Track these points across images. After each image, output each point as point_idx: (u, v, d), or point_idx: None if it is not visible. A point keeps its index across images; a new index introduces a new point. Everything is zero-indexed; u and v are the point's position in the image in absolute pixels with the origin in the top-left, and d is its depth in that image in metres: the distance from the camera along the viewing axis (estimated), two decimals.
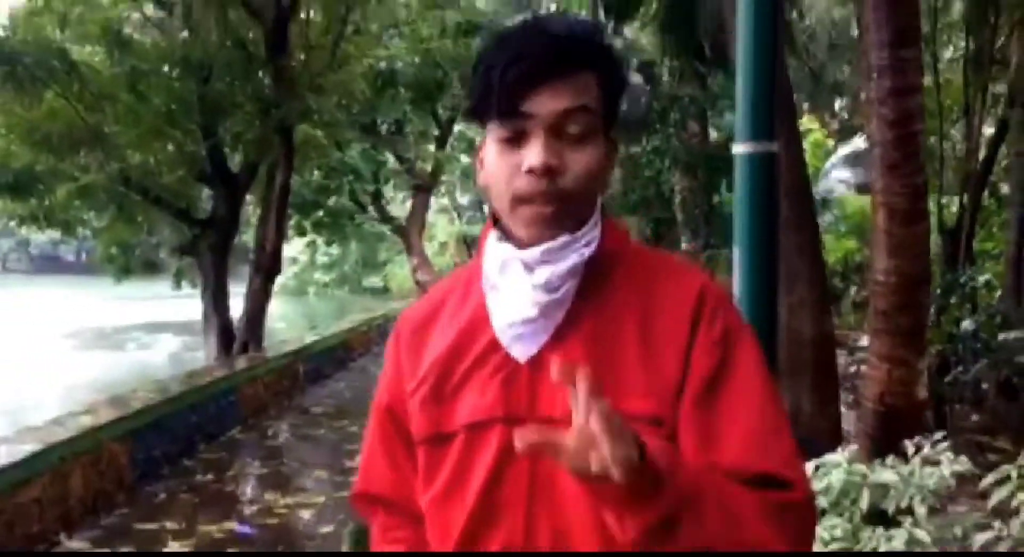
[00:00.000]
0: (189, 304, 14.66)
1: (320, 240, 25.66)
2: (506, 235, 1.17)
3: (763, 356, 1.11)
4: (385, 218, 21.71)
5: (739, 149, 2.02)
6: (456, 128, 22.22)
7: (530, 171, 1.08)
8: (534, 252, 1.11)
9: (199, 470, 6.75)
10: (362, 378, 11.30)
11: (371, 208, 21.25)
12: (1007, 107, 8.22)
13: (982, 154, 8.59)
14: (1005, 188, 10.07)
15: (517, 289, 1.12)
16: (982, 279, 8.69)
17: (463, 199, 40.00)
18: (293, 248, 27.37)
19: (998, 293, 8.76)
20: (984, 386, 7.50)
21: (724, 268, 8.81)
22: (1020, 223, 7.84)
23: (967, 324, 7.34)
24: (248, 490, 6.45)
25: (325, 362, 11.41)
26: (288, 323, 20.92)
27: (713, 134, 12.35)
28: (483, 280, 1.18)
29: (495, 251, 1.17)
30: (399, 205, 26.21)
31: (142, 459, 6.39)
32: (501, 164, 1.11)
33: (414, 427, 1.20)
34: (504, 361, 1.13)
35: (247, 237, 17.34)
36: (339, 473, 6.58)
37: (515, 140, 1.10)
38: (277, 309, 13.16)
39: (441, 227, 31.57)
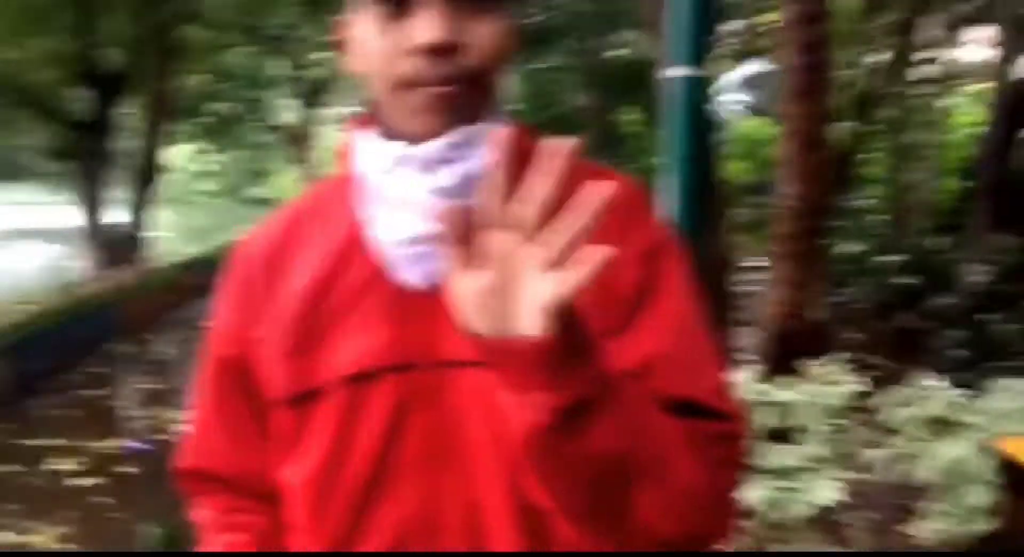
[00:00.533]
0: (61, 210, 13.98)
1: (204, 148, 24.81)
2: (388, 132, 0.91)
3: (691, 275, 0.94)
4: (272, 127, 21.02)
5: (675, 72, 1.97)
6: None
7: (423, 47, 0.82)
8: (434, 146, 0.86)
9: (82, 385, 6.52)
10: None
11: (257, 115, 20.54)
12: (897, 37, 8.40)
13: (869, 82, 8.79)
14: (886, 113, 10.40)
15: (411, 197, 0.87)
16: (865, 204, 9.03)
17: (354, 107, 39.19)
18: (178, 156, 26.34)
19: (880, 217, 9.12)
20: (863, 306, 7.85)
21: None
22: (903, 151, 8.12)
23: (851, 247, 7.64)
24: (134, 405, 6.26)
25: (211, 274, 11.09)
26: (173, 234, 20.24)
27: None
28: (358, 191, 0.92)
29: (377, 150, 0.90)
30: (286, 113, 25.45)
31: (22, 373, 6.12)
32: (380, 42, 0.86)
33: (268, 384, 0.94)
34: (393, 293, 0.88)
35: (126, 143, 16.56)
36: None
37: (396, 6, 0.84)
38: (161, 220, 12.71)
39: (331, 136, 30.87)
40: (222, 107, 19.21)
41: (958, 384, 3.77)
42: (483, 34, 0.86)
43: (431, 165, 0.87)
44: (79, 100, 11.45)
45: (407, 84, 0.85)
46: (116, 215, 10.89)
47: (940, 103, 7.28)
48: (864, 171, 9.74)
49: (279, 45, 17.90)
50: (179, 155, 27.26)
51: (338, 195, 0.96)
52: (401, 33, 0.84)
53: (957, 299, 5.49)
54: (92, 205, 10.58)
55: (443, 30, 0.82)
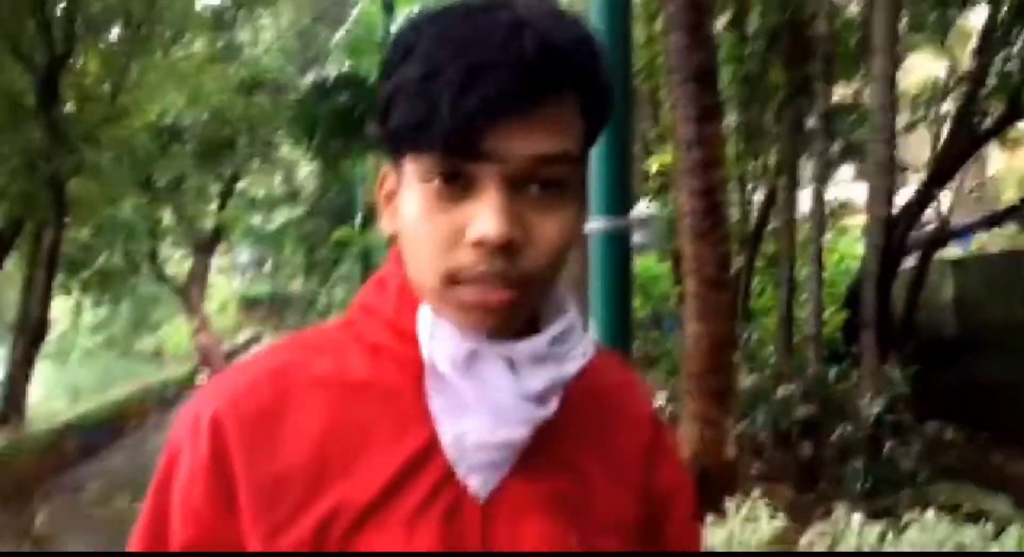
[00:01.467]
0: None
1: (86, 301, 24.08)
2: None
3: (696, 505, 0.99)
4: (162, 278, 20.60)
5: (595, 225, 2.02)
6: (239, 186, 21.61)
7: (479, 243, 0.72)
8: (535, 345, 0.78)
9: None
10: (139, 452, 10.51)
11: (146, 267, 20.12)
12: (774, 176, 8.91)
13: (753, 218, 9.25)
14: (768, 248, 10.92)
15: (495, 397, 0.77)
16: (755, 336, 9.32)
17: (243, 258, 38.81)
18: (55, 309, 25.47)
19: (770, 348, 9.41)
20: (763, 438, 7.97)
21: None
22: (789, 284, 8.47)
23: (748, 380, 7.81)
24: None
25: (97, 435, 10.55)
26: (50, 392, 19.26)
27: None
28: (428, 375, 0.79)
29: (449, 335, 0.78)
30: (176, 264, 25.02)
31: None
32: (432, 223, 0.74)
33: None
34: (442, 485, 0.78)
35: (5, 297, 15.94)
36: None
37: (454, 185, 0.74)
38: (36, 376, 12.14)
39: (220, 287, 30.42)
40: (105, 259, 18.78)
41: (872, 516, 3.84)
42: (549, 230, 0.75)
43: (520, 366, 0.78)
44: None
45: (458, 279, 0.75)
46: None
47: (822, 237, 7.68)
48: (755, 304, 10.11)
49: (169, 196, 17.80)
50: (59, 308, 26.41)
51: (372, 366, 0.82)
52: (456, 219, 0.74)
53: (855, 429, 5.64)
54: None
55: (504, 224, 0.72)
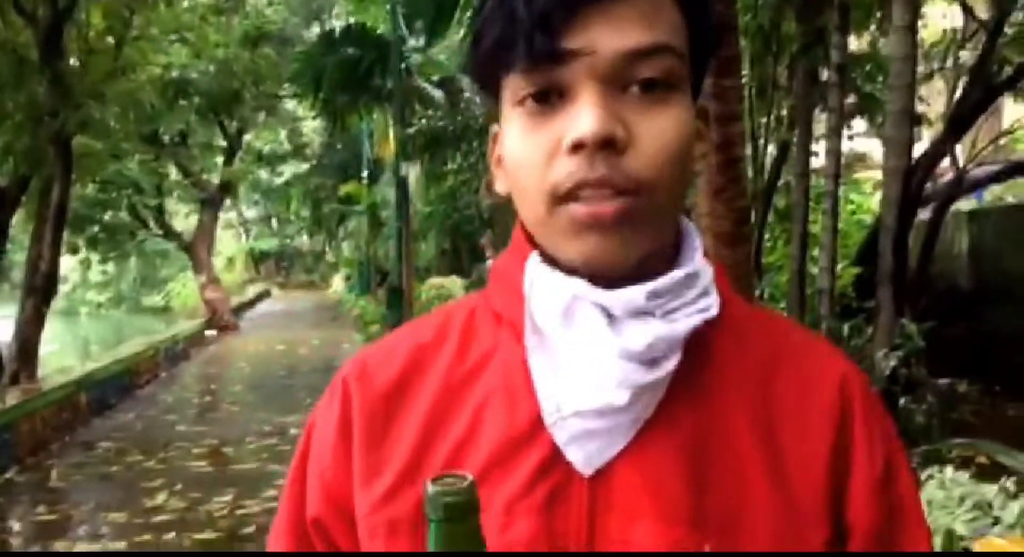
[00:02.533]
0: None
1: (94, 257, 24.16)
2: (552, 262, 0.73)
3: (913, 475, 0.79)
4: (169, 234, 20.59)
5: None
6: (244, 139, 21.51)
7: (578, 146, 0.66)
8: (630, 295, 0.68)
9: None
10: (151, 407, 10.58)
11: (153, 223, 20.11)
12: (787, 130, 8.80)
13: (767, 173, 9.16)
14: (781, 202, 10.83)
15: (592, 354, 0.68)
16: (767, 291, 9.28)
17: (251, 213, 38.79)
18: (63, 265, 25.59)
19: (782, 304, 9.37)
20: None
21: None
22: (802, 239, 8.40)
23: None
24: (33, 540, 5.82)
25: (110, 391, 10.59)
26: (61, 348, 19.38)
27: None
28: (527, 329, 0.73)
29: (549, 285, 0.71)
30: (183, 219, 25.01)
31: None
32: (529, 143, 0.69)
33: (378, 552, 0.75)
34: (548, 465, 0.70)
35: (15, 255, 15.97)
36: (139, 514, 6.07)
37: (548, 103, 0.68)
38: (47, 333, 12.17)
39: (228, 243, 30.47)
40: (111, 215, 18.76)
41: None
42: (656, 129, 0.67)
43: (620, 318, 0.69)
44: None
45: (562, 195, 0.67)
46: (3, 330, 10.40)
47: (836, 191, 7.59)
48: (768, 259, 10.06)
49: (175, 151, 17.72)
50: (67, 264, 26.49)
51: (492, 333, 0.78)
52: (553, 132, 0.68)
53: (871, 383, 5.62)
54: None
55: (601, 120, 0.65)
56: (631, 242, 0.68)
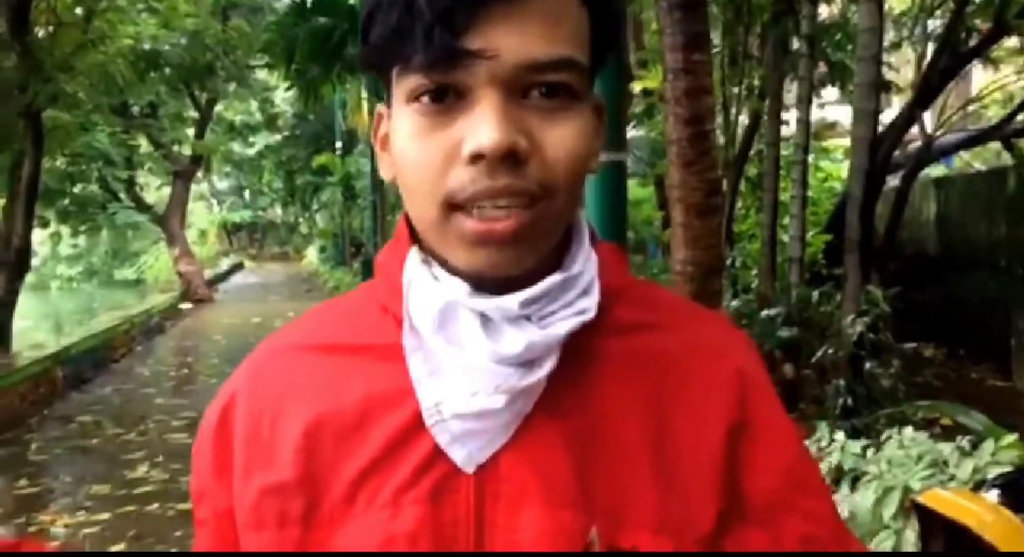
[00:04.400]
0: None
1: (64, 231, 23.93)
2: (434, 259, 0.73)
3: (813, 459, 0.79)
4: (141, 206, 20.44)
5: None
6: (215, 110, 21.31)
7: (477, 157, 0.64)
8: (505, 303, 0.68)
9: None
10: (128, 380, 10.60)
11: (124, 196, 19.95)
12: (758, 100, 8.88)
13: (738, 143, 9.25)
14: (752, 171, 10.94)
15: (468, 359, 0.69)
16: (739, 260, 9.40)
17: (222, 185, 38.48)
18: (33, 239, 25.29)
19: (753, 272, 9.50)
20: None
21: None
22: (772, 207, 8.51)
23: (733, 303, 7.92)
24: (15, 512, 5.88)
25: (85, 365, 10.60)
26: (33, 323, 19.23)
27: None
28: (405, 330, 0.72)
29: (427, 287, 0.71)
30: (155, 192, 24.80)
31: None
32: (423, 145, 0.66)
33: None
34: (434, 458, 0.70)
35: None
36: (121, 486, 6.14)
37: (444, 102, 0.66)
38: (19, 308, 12.06)
39: (200, 215, 30.23)
40: (82, 188, 18.58)
41: (852, 433, 3.95)
42: (556, 138, 0.66)
43: (497, 324, 0.69)
44: None
45: (458, 204, 0.66)
46: None
47: (806, 159, 7.69)
48: (739, 228, 10.17)
49: (145, 123, 17.55)
50: (37, 238, 26.22)
51: (379, 326, 0.76)
52: (450, 136, 0.65)
53: (838, 349, 5.75)
54: None
55: (505, 131, 0.63)
56: (524, 255, 0.67)
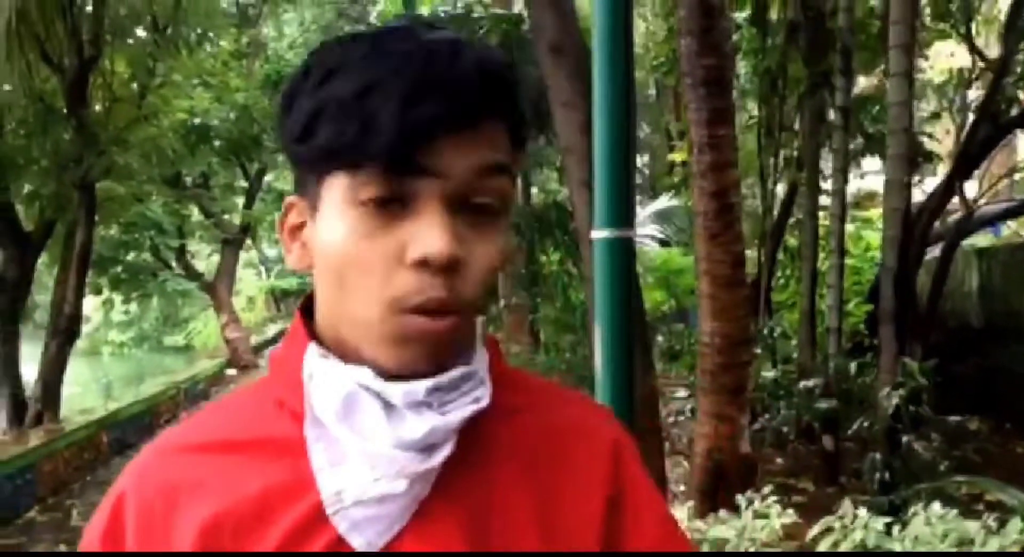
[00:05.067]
0: None
1: (116, 297, 24.43)
2: (332, 352, 0.76)
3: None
4: (191, 274, 20.85)
5: (600, 234, 2.10)
6: (265, 180, 21.82)
7: (423, 263, 0.69)
8: (412, 389, 0.72)
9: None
10: None
11: (175, 264, 20.38)
12: (796, 170, 8.92)
13: (775, 212, 9.27)
14: (792, 241, 10.92)
15: (370, 446, 0.72)
16: (778, 330, 9.34)
17: (271, 252, 39.13)
18: (86, 306, 25.90)
19: (793, 342, 9.42)
20: (786, 431, 8.01)
21: (553, 328, 9.01)
22: (811, 277, 8.48)
23: (770, 374, 7.86)
24: None
25: (130, 431, 10.75)
26: (83, 388, 19.58)
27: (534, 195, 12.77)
28: (307, 422, 0.75)
29: (329, 376, 0.74)
30: (205, 259, 25.31)
31: None
32: (368, 247, 0.70)
33: None
34: (335, 547, 0.73)
35: (38, 297, 16.22)
36: None
37: (388, 208, 0.70)
38: (69, 373, 12.40)
39: (248, 282, 30.71)
40: (134, 257, 19.05)
41: (879, 508, 3.89)
42: (482, 253, 0.72)
43: (401, 411, 0.73)
44: None
45: (406, 308, 0.70)
46: (27, 372, 10.59)
47: (843, 230, 7.69)
48: (778, 298, 10.13)
49: (197, 193, 18.03)
50: (90, 305, 26.82)
51: (274, 421, 0.78)
52: (394, 240, 0.70)
53: (874, 422, 5.67)
54: (4, 364, 10.27)
55: (450, 241, 0.69)
56: (444, 353, 0.73)
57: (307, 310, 0.81)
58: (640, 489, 0.82)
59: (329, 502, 0.72)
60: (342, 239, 0.71)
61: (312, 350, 0.76)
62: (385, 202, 0.70)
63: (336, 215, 0.72)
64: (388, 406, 0.72)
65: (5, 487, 7.19)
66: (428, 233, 0.69)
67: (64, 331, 10.29)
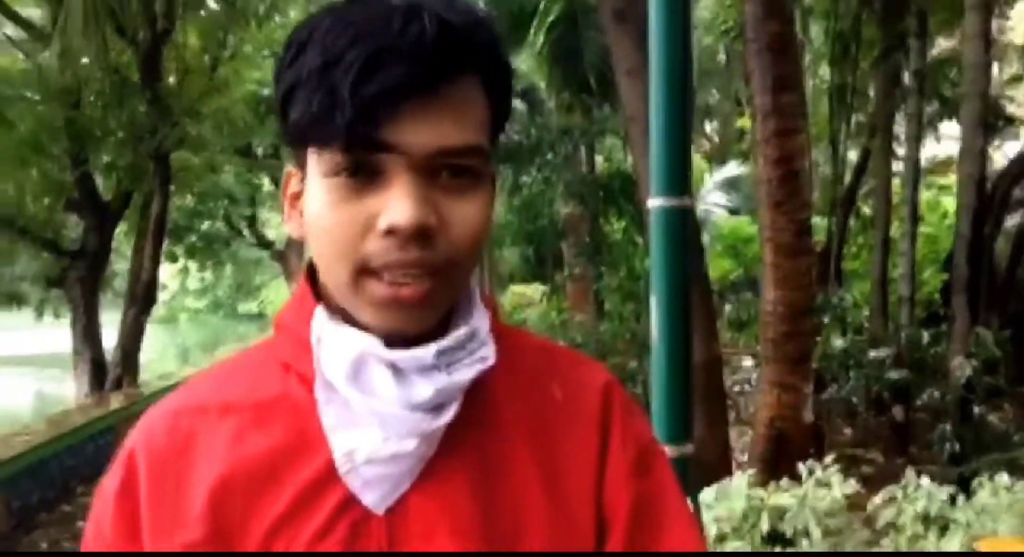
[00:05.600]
0: (52, 335, 13.95)
1: (192, 266, 25.03)
2: (340, 315, 0.78)
3: (676, 475, 0.88)
4: (262, 242, 21.27)
5: (655, 203, 2.08)
6: None
7: (391, 231, 0.70)
8: (420, 354, 0.74)
9: (80, 516, 6.46)
10: None
11: (247, 232, 20.80)
12: (868, 137, 8.72)
13: (847, 179, 9.08)
14: (865, 209, 10.68)
15: (381, 407, 0.74)
16: (849, 298, 9.18)
17: None
18: (162, 274, 26.58)
19: (864, 312, 9.26)
20: (855, 401, 7.91)
21: (617, 296, 8.99)
22: (884, 245, 8.31)
23: (839, 343, 7.75)
24: None
25: None
26: (161, 354, 20.22)
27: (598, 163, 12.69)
28: (317, 384, 0.77)
29: (338, 341, 0.76)
30: (275, 228, 25.76)
31: (18, 507, 6.08)
32: (340, 215, 0.72)
33: None
34: (345, 505, 0.75)
35: (116, 266, 16.72)
36: None
37: (360, 177, 0.72)
38: (148, 339, 12.80)
39: None
40: (208, 226, 19.48)
41: (949, 479, 3.83)
42: (461, 216, 0.73)
43: (408, 374, 0.74)
44: (73, 227, 11.65)
45: (371, 271, 0.72)
46: (107, 338, 10.95)
47: (916, 198, 7.50)
48: (847, 266, 9.94)
49: (268, 163, 18.31)
50: (166, 273, 27.56)
51: (280, 384, 0.80)
52: (365, 208, 0.71)
53: (945, 392, 5.57)
54: (85, 330, 10.63)
55: (418, 210, 0.70)
56: (427, 317, 0.74)
57: (313, 274, 0.81)
58: (616, 431, 0.83)
59: (341, 461, 0.74)
60: (319, 208, 0.73)
61: (320, 313, 0.78)
62: (355, 173, 0.71)
63: (316, 185, 0.74)
64: (396, 369, 0.74)
65: (88, 448, 7.48)
66: (395, 204, 0.70)
67: (142, 298, 10.61)
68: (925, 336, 7.06)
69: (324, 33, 0.71)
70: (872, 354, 7.18)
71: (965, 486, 3.41)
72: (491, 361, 0.78)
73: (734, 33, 10.51)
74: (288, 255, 20.37)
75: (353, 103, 0.68)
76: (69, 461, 7.06)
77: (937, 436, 5.35)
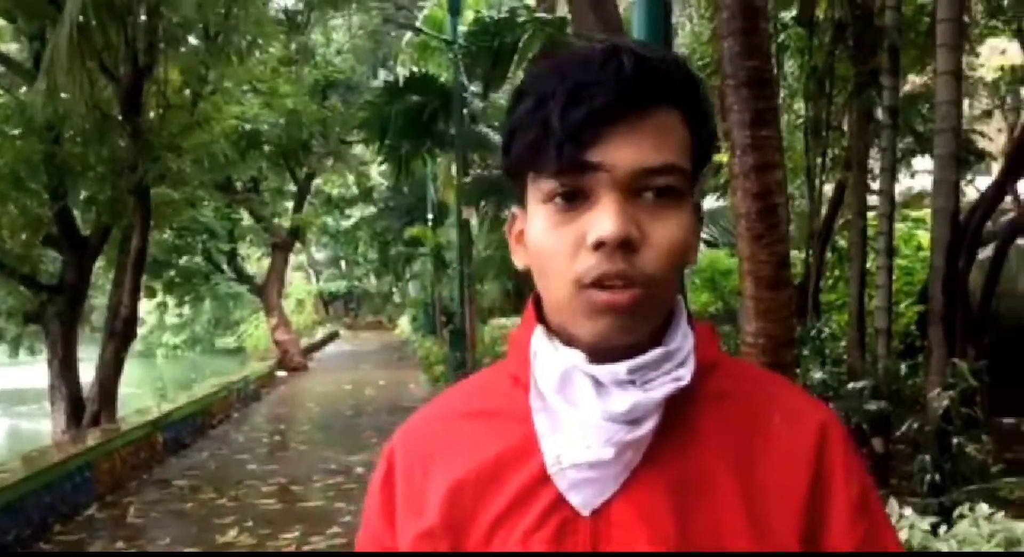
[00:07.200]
0: (28, 371, 13.81)
1: (170, 301, 24.86)
2: (556, 334, 0.88)
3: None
4: (242, 277, 21.18)
5: None
6: (314, 184, 22.08)
7: (599, 245, 0.79)
8: (615, 369, 0.82)
9: (58, 554, 6.37)
10: (224, 446, 10.93)
11: (227, 267, 20.73)
12: (843, 170, 8.84)
13: (823, 213, 9.18)
14: (841, 242, 10.79)
15: (583, 417, 0.83)
16: (827, 331, 9.25)
17: (320, 255, 39.63)
18: (141, 309, 26.41)
19: (842, 343, 9.32)
20: None
21: None
22: (860, 277, 8.39)
23: (818, 375, 7.79)
24: None
25: (184, 431, 10.97)
26: (139, 389, 20.00)
27: None
28: (532, 393, 0.88)
29: (550, 356, 0.86)
30: (255, 263, 25.69)
31: None
32: (556, 236, 0.82)
33: None
34: (556, 505, 0.84)
35: (95, 300, 16.60)
36: (212, 550, 6.33)
37: (573, 202, 0.82)
38: (125, 375, 12.64)
39: (298, 285, 31.07)
40: (187, 260, 19.43)
41: (930, 510, 3.86)
42: (662, 233, 0.81)
43: (608, 386, 0.83)
44: (51, 262, 11.60)
45: (586, 283, 0.80)
46: (84, 373, 10.87)
47: (892, 230, 7.59)
48: (824, 298, 10.02)
49: (247, 198, 18.32)
50: (144, 308, 27.37)
51: (510, 395, 0.91)
52: (577, 229, 0.81)
53: (924, 423, 5.61)
54: (62, 365, 10.55)
55: (620, 224, 0.79)
56: (636, 326, 0.82)
57: (538, 300, 0.91)
58: (838, 468, 0.86)
59: (550, 464, 0.84)
60: (539, 233, 0.84)
61: (538, 332, 0.89)
62: (569, 196, 0.82)
63: (535, 214, 0.85)
64: (598, 383, 0.83)
65: (65, 485, 7.39)
66: (601, 219, 0.79)
67: (120, 333, 10.55)
68: (903, 367, 7.11)
69: (537, 79, 0.84)
70: (851, 386, 7.22)
71: (947, 516, 3.44)
72: (685, 381, 0.84)
73: (710, 69, 10.67)
74: (268, 290, 20.30)
75: (562, 128, 0.79)
76: (46, 498, 6.97)
77: (917, 467, 5.37)
